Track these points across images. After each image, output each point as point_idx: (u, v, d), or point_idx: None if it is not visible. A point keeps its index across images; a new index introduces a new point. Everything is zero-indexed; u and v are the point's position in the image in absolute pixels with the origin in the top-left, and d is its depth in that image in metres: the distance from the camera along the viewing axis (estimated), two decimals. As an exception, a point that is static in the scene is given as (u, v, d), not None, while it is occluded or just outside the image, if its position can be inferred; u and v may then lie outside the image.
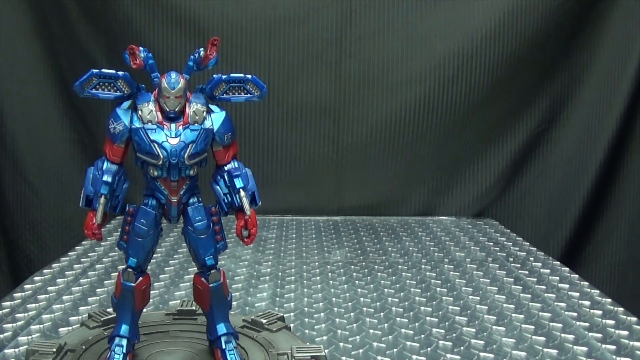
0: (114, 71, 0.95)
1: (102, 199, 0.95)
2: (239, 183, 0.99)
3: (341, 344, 1.23)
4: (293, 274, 1.66)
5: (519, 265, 1.74)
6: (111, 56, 2.19)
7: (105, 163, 0.96)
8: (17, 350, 1.17)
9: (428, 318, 1.36)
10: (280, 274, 1.66)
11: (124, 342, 1.00)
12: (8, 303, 1.41)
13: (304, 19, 2.22)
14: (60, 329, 1.27)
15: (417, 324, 1.32)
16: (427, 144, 2.29)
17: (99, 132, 2.20)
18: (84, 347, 1.08)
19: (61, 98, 2.25)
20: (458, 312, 1.39)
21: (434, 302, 1.45)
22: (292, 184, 2.31)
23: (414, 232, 2.11)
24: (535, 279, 1.61)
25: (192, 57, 0.98)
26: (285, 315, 1.25)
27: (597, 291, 1.53)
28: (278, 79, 2.23)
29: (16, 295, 1.47)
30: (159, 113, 0.95)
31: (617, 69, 2.24)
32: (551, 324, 1.32)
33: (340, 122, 2.29)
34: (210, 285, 1.01)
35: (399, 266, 1.72)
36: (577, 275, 1.66)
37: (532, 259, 1.80)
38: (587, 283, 1.59)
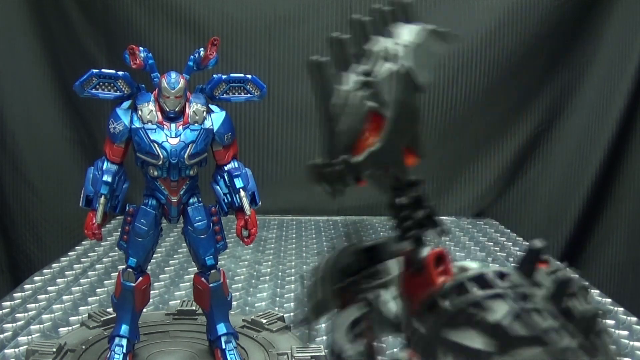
0: (114, 71, 0.95)
1: (102, 199, 0.95)
2: (239, 183, 0.99)
3: (341, 344, 1.23)
4: (293, 274, 1.66)
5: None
6: (111, 56, 2.19)
7: (105, 163, 0.97)
8: (17, 350, 1.17)
9: (428, 318, 1.35)
10: (280, 274, 1.66)
11: (124, 342, 1.00)
12: (8, 303, 1.41)
13: (304, 19, 2.22)
14: (60, 329, 1.27)
15: (417, 324, 1.32)
16: (427, 143, 2.28)
17: (99, 132, 2.20)
18: (84, 347, 1.09)
19: (61, 98, 2.25)
20: (458, 312, 1.38)
21: (434, 302, 1.45)
22: (292, 184, 2.31)
23: (414, 232, 2.10)
24: (535, 279, 1.61)
25: (192, 57, 0.98)
26: (285, 315, 1.25)
27: (597, 291, 1.53)
28: (278, 79, 2.23)
29: (16, 295, 1.47)
30: (159, 113, 0.95)
31: (617, 69, 2.24)
32: (551, 324, 1.32)
33: (340, 122, 2.29)
34: (210, 285, 1.02)
35: (399, 266, 1.72)
36: (577, 275, 1.65)
37: (532, 259, 1.80)
38: (587, 283, 1.59)
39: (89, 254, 1.79)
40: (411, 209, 0.62)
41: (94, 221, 0.95)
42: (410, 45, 0.59)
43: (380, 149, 0.59)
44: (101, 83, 0.95)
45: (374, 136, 0.59)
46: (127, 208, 0.99)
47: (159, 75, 0.96)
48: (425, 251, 0.62)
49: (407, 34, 0.60)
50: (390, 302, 0.64)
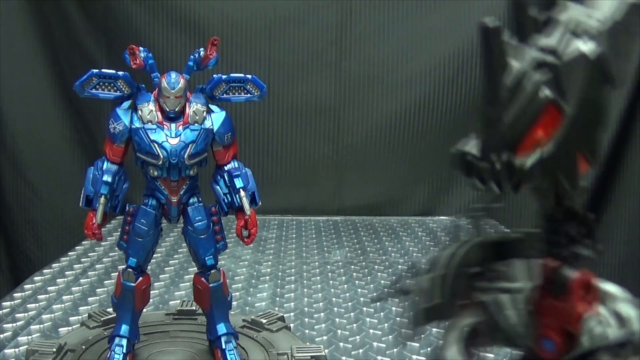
0: (114, 71, 0.95)
1: (102, 199, 0.95)
2: (239, 183, 0.99)
3: (341, 344, 1.23)
4: (293, 274, 1.66)
5: (519, 265, 1.74)
6: (111, 56, 2.19)
7: (106, 163, 0.97)
8: (17, 350, 1.17)
9: (428, 318, 1.35)
10: (280, 274, 1.66)
11: (124, 342, 1.00)
12: (8, 303, 1.41)
13: (304, 19, 2.22)
14: (60, 329, 1.27)
15: (417, 324, 1.32)
16: (427, 144, 2.29)
17: (99, 132, 2.20)
18: (84, 347, 1.09)
19: (61, 98, 2.25)
20: (458, 312, 1.39)
21: (434, 302, 1.45)
22: (292, 184, 2.31)
23: (414, 232, 2.11)
24: (535, 279, 1.61)
25: (192, 57, 0.98)
26: (285, 315, 1.25)
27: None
28: (278, 79, 2.23)
29: (16, 295, 1.47)
30: (159, 113, 0.95)
31: (617, 69, 2.24)
32: (551, 324, 1.32)
33: (340, 122, 2.29)
34: (210, 285, 1.02)
35: (399, 266, 1.72)
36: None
37: (532, 259, 1.80)
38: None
39: (89, 254, 1.79)
40: (566, 222, 0.53)
41: (94, 221, 0.95)
42: (607, 21, 0.46)
43: (553, 154, 0.47)
44: (101, 83, 0.95)
45: (546, 134, 0.47)
46: (127, 208, 0.99)
47: (159, 75, 0.96)
48: (571, 273, 0.53)
49: (605, 4, 0.48)
50: (510, 310, 0.56)
